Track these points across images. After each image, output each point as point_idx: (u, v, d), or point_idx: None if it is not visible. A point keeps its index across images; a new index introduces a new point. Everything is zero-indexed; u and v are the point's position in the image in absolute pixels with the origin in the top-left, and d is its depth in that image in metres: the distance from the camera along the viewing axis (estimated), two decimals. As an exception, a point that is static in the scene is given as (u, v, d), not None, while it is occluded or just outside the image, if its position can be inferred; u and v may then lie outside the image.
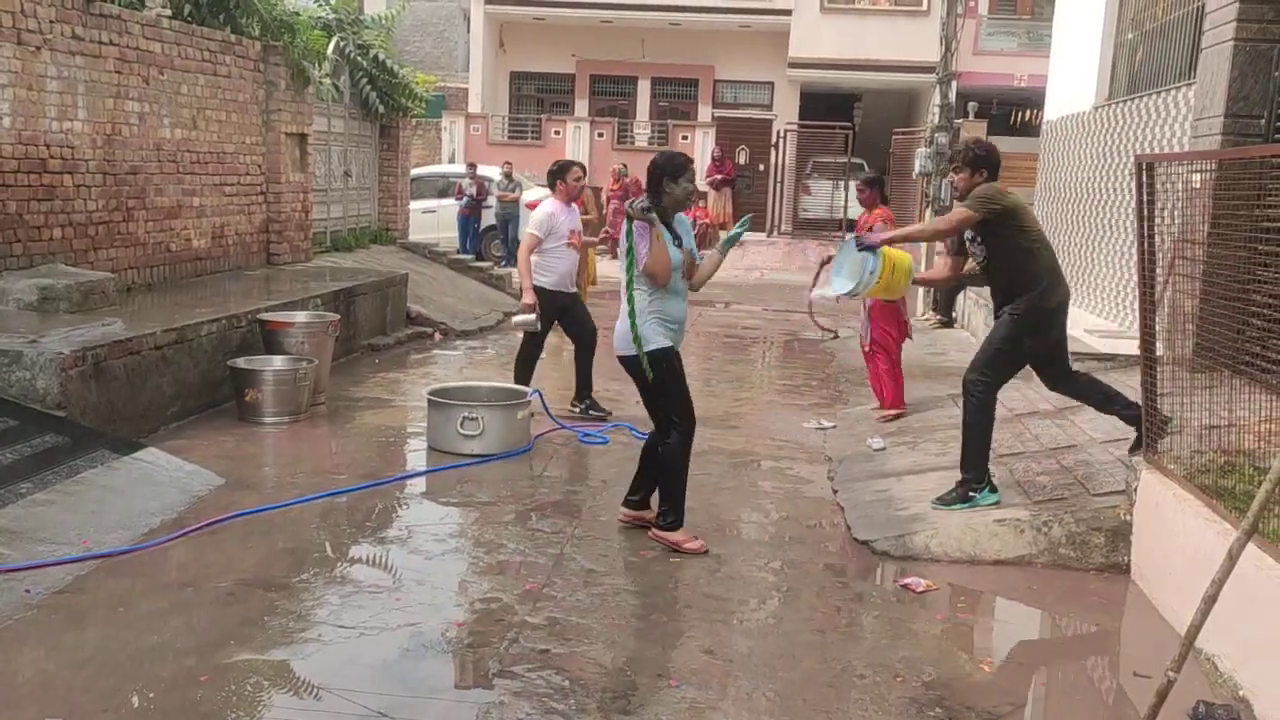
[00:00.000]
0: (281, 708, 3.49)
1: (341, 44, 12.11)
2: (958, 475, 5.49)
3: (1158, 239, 4.81)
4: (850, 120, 25.38)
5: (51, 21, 7.37)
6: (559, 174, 7.45)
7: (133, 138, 8.38)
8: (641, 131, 24.41)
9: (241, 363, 7.18)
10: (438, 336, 11.02)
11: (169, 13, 9.01)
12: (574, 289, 7.64)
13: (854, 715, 3.59)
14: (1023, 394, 7.71)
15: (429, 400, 6.72)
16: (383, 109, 13.03)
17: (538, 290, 7.29)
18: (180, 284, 9.03)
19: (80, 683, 3.55)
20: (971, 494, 5.34)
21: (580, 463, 6.58)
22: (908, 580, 4.74)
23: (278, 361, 7.34)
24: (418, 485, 6.08)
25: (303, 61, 10.83)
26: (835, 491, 6.11)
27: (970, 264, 12.47)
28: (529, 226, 7.46)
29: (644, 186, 5.12)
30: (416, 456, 6.61)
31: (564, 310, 7.58)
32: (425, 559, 4.92)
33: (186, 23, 9.26)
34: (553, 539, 5.14)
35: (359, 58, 12.46)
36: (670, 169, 4.98)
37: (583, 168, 7.78)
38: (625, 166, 19.79)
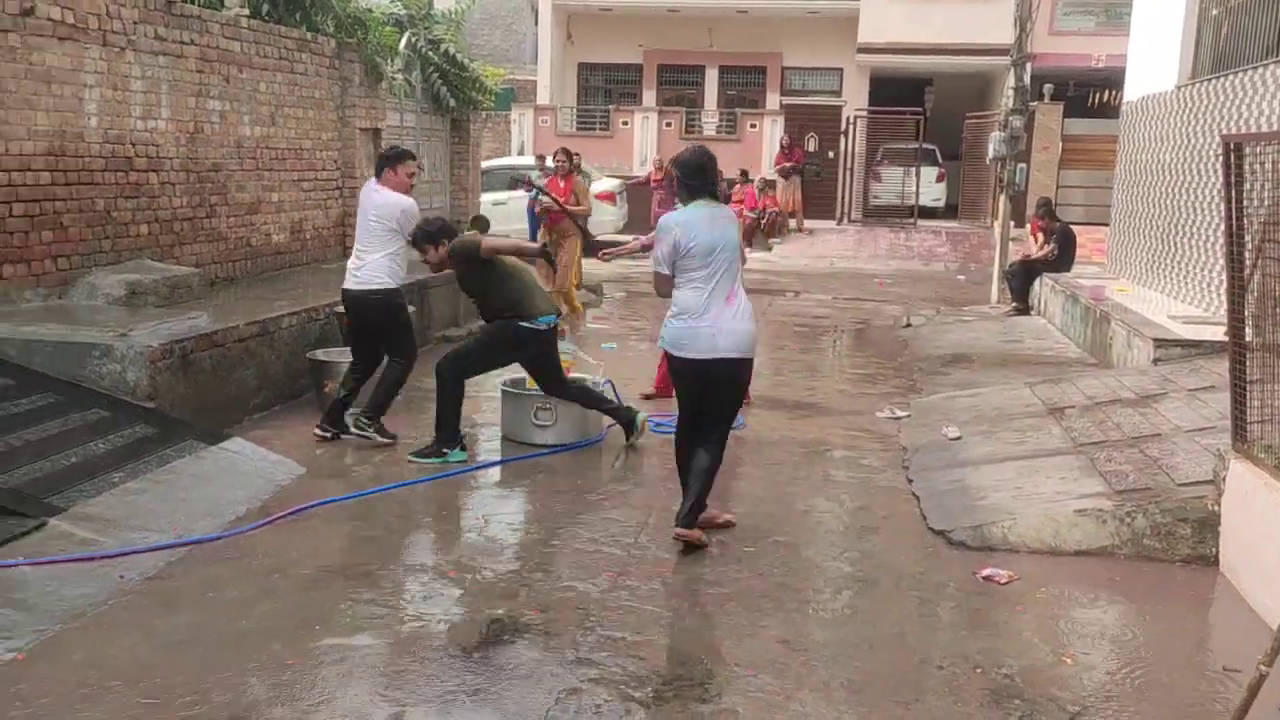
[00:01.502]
0: (367, 691, 3.57)
1: (413, 39, 12.24)
2: (1037, 464, 5.40)
3: (1246, 221, 4.66)
4: (921, 105, 25.00)
5: (135, 23, 7.58)
6: (391, 161, 6.48)
7: (214, 135, 8.58)
8: (710, 120, 24.33)
9: (321, 355, 7.33)
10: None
11: (247, 12, 9.20)
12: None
13: (932, 706, 3.57)
14: (1103, 382, 7.57)
15: (503, 391, 6.79)
16: (454, 103, 13.16)
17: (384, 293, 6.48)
18: (260, 278, 9.23)
19: (174, 665, 3.67)
20: (445, 450, 6.08)
21: (652, 452, 6.60)
22: (989, 572, 4.68)
23: (355, 353, 7.46)
24: (493, 474, 6.15)
25: (376, 58, 10.99)
26: (910, 481, 6.05)
27: (1046, 249, 12.23)
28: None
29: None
30: (491, 446, 6.68)
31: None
32: (502, 547, 4.98)
33: (264, 22, 9.45)
34: (626, 528, 5.17)
35: (430, 53, 12.59)
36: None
37: (414, 159, 6.78)
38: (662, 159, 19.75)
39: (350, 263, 6.57)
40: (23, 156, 6.64)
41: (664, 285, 4.90)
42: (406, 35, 12.14)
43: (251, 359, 6.95)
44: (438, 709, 3.45)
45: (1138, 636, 4.17)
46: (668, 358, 5.09)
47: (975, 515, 5.29)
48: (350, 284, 6.49)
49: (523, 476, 6.08)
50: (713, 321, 4.77)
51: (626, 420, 6.57)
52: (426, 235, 6.33)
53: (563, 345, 6.80)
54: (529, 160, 19.23)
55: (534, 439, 6.55)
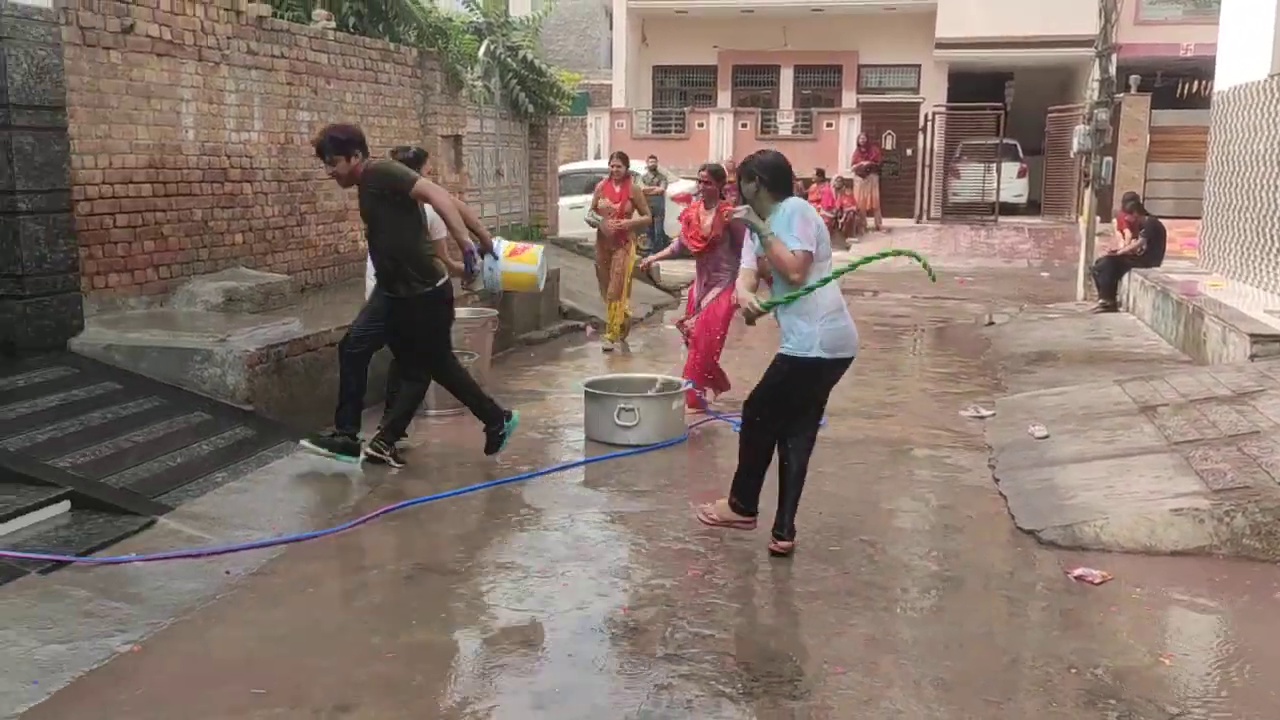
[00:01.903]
0: (464, 687, 3.66)
1: (492, 46, 12.45)
2: (1129, 463, 5.30)
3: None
4: (1001, 100, 24.60)
5: (229, 38, 7.84)
6: (415, 165, 6.16)
7: (304, 146, 8.82)
8: (785, 120, 24.24)
9: (408, 358, 7.48)
10: (589, 330, 11.22)
11: (334, 25, 9.44)
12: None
13: (1025, 706, 3.54)
14: (1197, 379, 7.39)
15: (586, 392, 6.88)
16: (532, 108, 13.34)
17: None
18: (347, 283, 9.45)
19: (277, 658, 3.80)
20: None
21: (734, 452, 6.60)
22: (1081, 571, 4.62)
23: (441, 356, 7.62)
24: (577, 475, 6.23)
25: (456, 65, 11.19)
26: (996, 480, 5.99)
27: (1134, 244, 11.92)
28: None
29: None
30: (574, 447, 6.77)
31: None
32: (589, 545, 5.05)
33: (350, 34, 9.69)
34: (711, 527, 5.20)
35: (508, 59, 12.79)
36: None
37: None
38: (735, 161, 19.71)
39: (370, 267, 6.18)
40: (125, 169, 6.92)
41: (806, 265, 4.56)
42: (486, 42, 12.35)
43: (342, 362, 7.12)
44: (532, 704, 3.53)
45: (1238, 638, 4.08)
46: (786, 361, 4.70)
47: (1066, 514, 5.21)
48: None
49: (606, 477, 6.15)
50: (850, 318, 4.75)
51: (494, 415, 6.10)
52: (336, 143, 5.54)
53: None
54: (602, 164, 19.37)
55: (616, 439, 6.62)
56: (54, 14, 6.06)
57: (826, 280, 4.63)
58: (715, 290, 7.56)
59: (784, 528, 4.81)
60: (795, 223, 4.57)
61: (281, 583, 4.47)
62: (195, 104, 7.54)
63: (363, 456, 5.89)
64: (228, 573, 4.47)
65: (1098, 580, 4.55)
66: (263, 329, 6.75)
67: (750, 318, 4.77)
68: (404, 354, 6.11)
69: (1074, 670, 3.76)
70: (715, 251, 7.58)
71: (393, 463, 6.01)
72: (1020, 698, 3.60)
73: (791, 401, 4.79)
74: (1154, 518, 4.97)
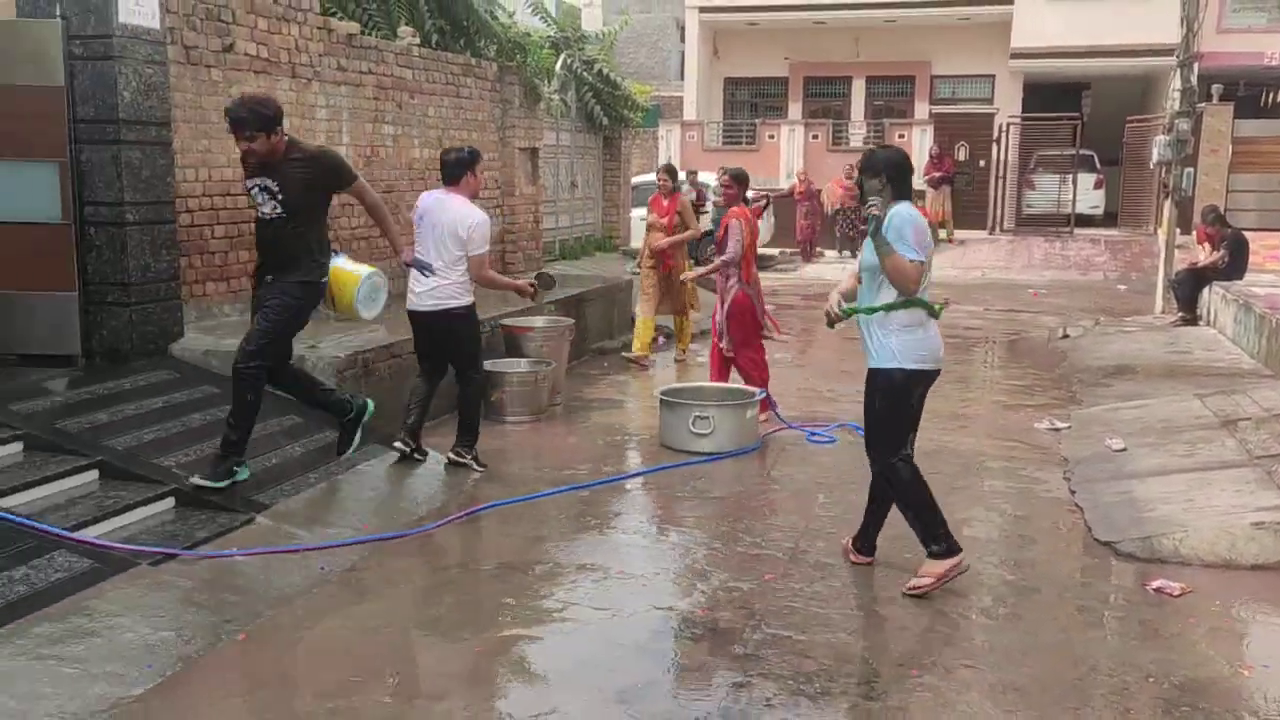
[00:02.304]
0: (549, 681, 3.80)
1: (568, 60, 12.69)
2: (1209, 477, 5.26)
3: None
4: (1078, 110, 24.26)
5: (320, 55, 8.14)
6: (471, 164, 6.07)
7: (388, 158, 9.11)
8: (856, 132, 24.18)
9: (487, 365, 7.69)
10: (661, 340, 11.34)
11: (418, 41, 9.72)
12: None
13: (1102, 713, 3.58)
14: (1280, 394, 7.29)
15: (661, 400, 7.00)
16: (606, 121, 13.55)
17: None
18: (428, 292, 9.69)
19: (372, 648, 3.98)
20: (236, 468, 5.18)
21: (808, 461, 6.69)
22: (1160, 583, 4.62)
23: (521, 364, 7.83)
24: (654, 481, 6.35)
25: (534, 79, 11.43)
26: (1073, 493, 5.98)
27: (1215, 256, 11.74)
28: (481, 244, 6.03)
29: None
30: (649, 454, 6.89)
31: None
32: (667, 549, 5.18)
33: (433, 50, 9.97)
34: (787, 533, 5.29)
35: (584, 73, 13.02)
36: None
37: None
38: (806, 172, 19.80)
39: (415, 277, 6.01)
40: (224, 182, 7.22)
41: (919, 277, 4.39)
42: (563, 56, 12.59)
43: (425, 369, 7.34)
44: (615, 699, 3.65)
45: (1321, 652, 4.06)
46: (886, 379, 4.51)
47: (1144, 527, 5.20)
48: (427, 302, 5.99)
49: (682, 483, 6.26)
50: (933, 330, 4.57)
51: (344, 408, 5.70)
52: (261, 119, 5.04)
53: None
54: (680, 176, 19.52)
55: (691, 447, 6.73)
56: (161, 34, 6.37)
57: (893, 306, 4.44)
58: (728, 297, 7.53)
59: (868, 542, 4.83)
60: (910, 232, 4.37)
61: (373, 578, 4.66)
62: (289, 119, 7.78)
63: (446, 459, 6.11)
64: (322, 568, 4.67)
65: (1176, 592, 4.55)
66: (350, 336, 6.99)
67: (831, 321, 4.67)
68: (454, 358, 6.17)
69: (1151, 679, 3.78)
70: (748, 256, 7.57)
71: (475, 466, 6.15)
72: (1097, 705, 3.63)
73: (903, 416, 4.56)
74: (1234, 531, 4.95)
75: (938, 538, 4.53)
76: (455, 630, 4.15)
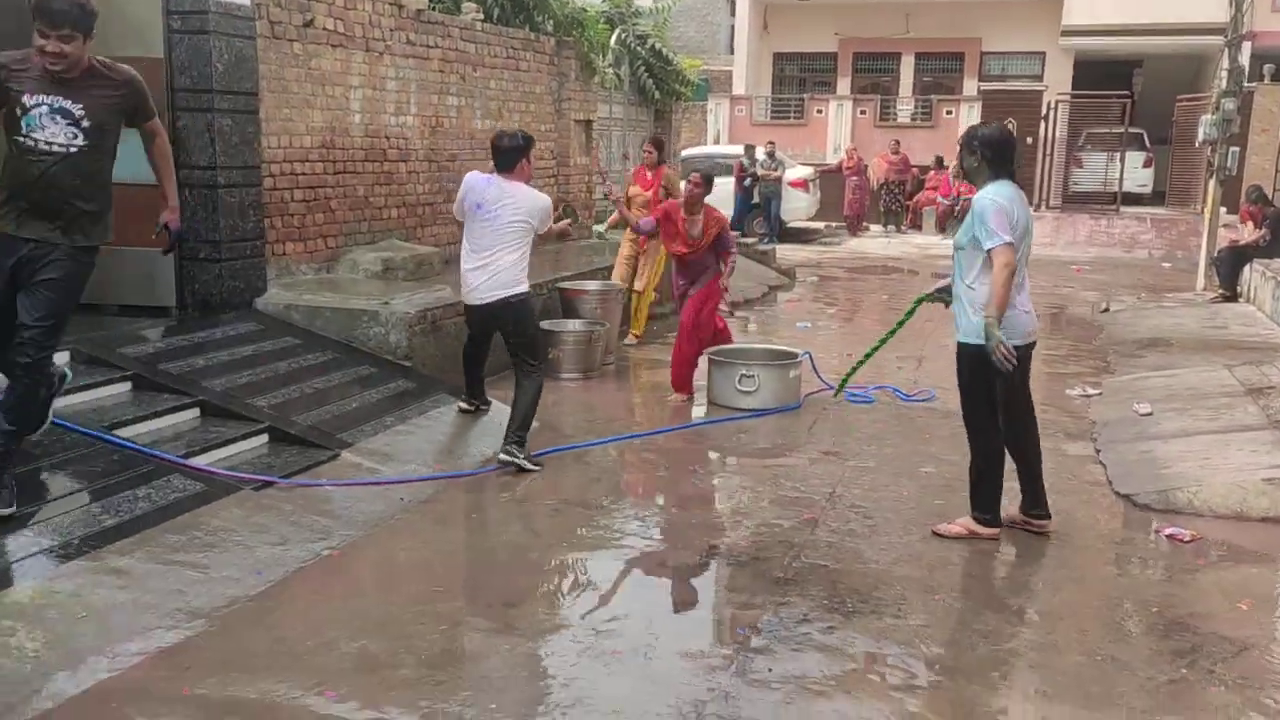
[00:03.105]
0: (609, 596, 4.27)
1: (623, 35, 13.06)
2: (1228, 439, 5.57)
3: None
4: (1129, 88, 24.16)
5: (392, 30, 8.60)
6: (526, 150, 5.89)
7: (451, 129, 9.57)
8: (905, 108, 24.29)
9: (544, 325, 8.15)
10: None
11: (481, 16, 10.15)
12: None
13: (1108, 633, 3.97)
14: (1305, 364, 7.55)
15: (710, 359, 7.42)
16: (658, 95, 13.92)
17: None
18: (486, 258, 10.17)
19: (451, 565, 4.48)
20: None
21: (846, 418, 7.08)
22: (1171, 530, 4.98)
23: (576, 324, 8.28)
24: (701, 433, 6.79)
25: (590, 54, 11.83)
26: (1098, 451, 6.33)
27: (1257, 235, 11.89)
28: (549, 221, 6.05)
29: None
30: (697, 410, 7.32)
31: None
32: (713, 490, 5.63)
33: (494, 24, 10.39)
34: (826, 480, 5.70)
35: (638, 48, 13.40)
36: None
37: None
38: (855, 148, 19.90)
39: (472, 268, 5.81)
40: (303, 149, 7.72)
41: (1009, 259, 4.44)
42: (617, 31, 12.97)
43: (487, 327, 7.82)
44: (669, 611, 4.12)
45: (1316, 592, 4.41)
46: (966, 353, 4.69)
47: (1161, 482, 5.56)
48: (486, 295, 5.81)
49: (728, 436, 6.69)
50: (1023, 306, 4.70)
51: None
52: (85, 14, 4.03)
53: None
54: (728, 149, 19.81)
55: (737, 404, 7.15)
56: (250, 9, 6.85)
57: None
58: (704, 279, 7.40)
59: (1039, 506, 4.94)
60: (989, 218, 4.44)
61: (448, 509, 5.15)
62: (362, 90, 8.31)
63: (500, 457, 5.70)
64: (402, 499, 5.16)
65: (1187, 539, 4.91)
66: (419, 294, 7.47)
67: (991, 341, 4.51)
68: (516, 345, 5.92)
69: (1155, 610, 4.17)
70: (702, 257, 7.34)
71: (529, 466, 5.67)
72: (1103, 628, 4.03)
73: (985, 388, 4.69)
74: (1246, 486, 5.29)
75: (989, 507, 4.81)
76: (524, 553, 4.62)
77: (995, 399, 4.73)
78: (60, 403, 4.88)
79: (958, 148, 5.40)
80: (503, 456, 5.70)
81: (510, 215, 5.79)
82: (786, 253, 15.73)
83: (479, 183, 5.88)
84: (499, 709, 3.31)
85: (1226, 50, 13.74)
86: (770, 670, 3.60)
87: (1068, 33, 23.26)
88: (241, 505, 4.70)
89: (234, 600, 3.95)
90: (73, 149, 4.08)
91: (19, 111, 4.04)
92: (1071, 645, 3.87)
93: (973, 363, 4.68)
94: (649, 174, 9.49)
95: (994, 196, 4.54)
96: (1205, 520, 5.18)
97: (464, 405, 6.50)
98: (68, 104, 4.06)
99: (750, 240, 15.97)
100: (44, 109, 4.03)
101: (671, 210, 7.47)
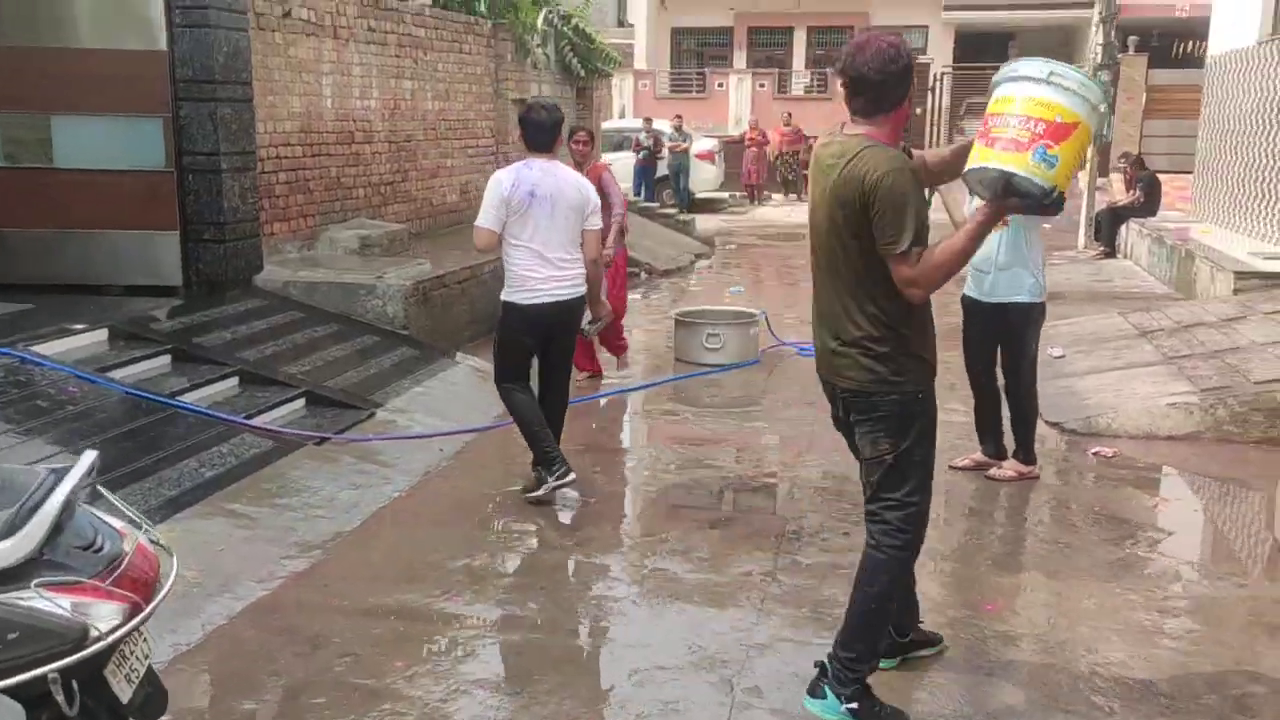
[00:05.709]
0: (638, 520, 5.00)
1: (549, 15, 13.57)
2: (1133, 374, 6.56)
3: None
4: (1005, 59, 25.68)
5: (355, 17, 9.03)
6: (564, 133, 5.34)
7: (407, 111, 10.04)
8: (800, 80, 25.33)
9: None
10: (644, 275, 12.47)
11: (429, 1, 10.60)
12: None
13: (1043, 520, 4.92)
14: (1189, 310, 8.72)
15: (677, 320, 8.17)
16: (583, 72, 14.48)
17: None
18: (440, 233, 10.69)
19: (500, 498, 5.13)
20: None
21: (803, 370, 7.87)
22: (1097, 449, 5.96)
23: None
24: (678, 387, 7.53)
25: (524, 35, 12.35)
26: (1024, 389, 7.29)
27: (1132, 196, 13.05)
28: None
29: None
30: (667, 366, 8.05)
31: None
32: (707, 434, 6.38)
33: (441, 9, 10.86)
34: (801, 423, 6.51)
35: (563, 27, 13.92)
36: None
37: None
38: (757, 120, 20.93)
39: (541, 263, 4.97)
40: (284, 134, 8.14)
41: None
42: (544, 12, 13.48)
43: (464, 297, 8.41)
44: (698, 530, 4.86)
45: (1216, 498, 5.42)
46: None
47: (1083, 410, 6.55)
48: (569, 292, 5.05)
49: (701, 388, 7.45)
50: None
51: None
52: None
53: None
54: (630, 123, 20.51)
55: (703, 359, 7.92)
56: (244, 3, 7.25)
57: None
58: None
59: (1024, 450, 5.53)
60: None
61: (482, 456, 5.81)
62: (332, 76, 8.74)
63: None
64: (441, 450, 5.78)
65: (1110, 454, 5.89)
66: (404, 268, 8.00)
67: None
68: (567, 356, 5.31)
69: (1085, 509, 5.11)
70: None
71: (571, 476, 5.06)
72: (1038, 518, 4.98)
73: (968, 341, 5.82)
74: (1154, 410, 6.31)
75: (1028, 448, 5.53)
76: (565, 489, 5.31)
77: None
78: (116, 374, 5.38)
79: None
80: (541, 493, 5.03)
81: (569, 201, 4.99)
82: (700, 222, 16.55)
83: (526, 172, 4.98)
84: (584, 613, 4.03)
85: (1100, 26, 15.01)
86: (807, 564, 4.40)
87: (949, 7, 24.61)
88: (312, 458, 5.26)
89: (338, 534, 4.54)
90: None
91: None
92: (1036, 536, 4.77)
93: (1030, 315, 5.59)
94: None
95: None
96: (1123, 440, 6.17)
97: (542, 489, 5.01)
98: None
99: (671, 211, 16.73)
100: None
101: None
